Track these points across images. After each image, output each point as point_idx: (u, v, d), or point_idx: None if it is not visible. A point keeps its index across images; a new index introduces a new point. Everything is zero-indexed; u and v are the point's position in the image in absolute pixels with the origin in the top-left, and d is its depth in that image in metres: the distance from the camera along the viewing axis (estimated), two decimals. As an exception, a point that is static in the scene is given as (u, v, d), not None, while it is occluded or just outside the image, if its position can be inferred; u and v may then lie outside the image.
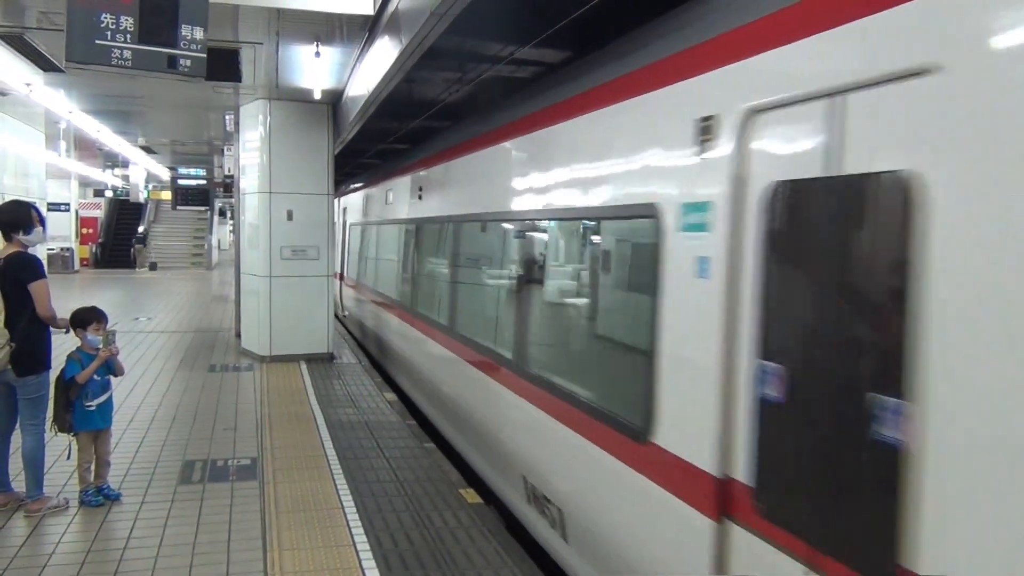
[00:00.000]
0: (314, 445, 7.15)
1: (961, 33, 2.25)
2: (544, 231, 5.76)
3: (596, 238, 5.11)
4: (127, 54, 5.24)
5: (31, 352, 5.28)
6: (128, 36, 5.20)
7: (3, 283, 5.20)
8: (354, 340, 14.74)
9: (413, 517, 5.48)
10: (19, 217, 5.47)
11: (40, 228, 5.56)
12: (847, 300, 2.64)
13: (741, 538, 3.06)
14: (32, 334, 5.27)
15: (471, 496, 5.97)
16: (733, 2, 3.57)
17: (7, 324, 5.16)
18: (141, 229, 32.48)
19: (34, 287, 5.27)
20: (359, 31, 7.37)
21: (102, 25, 5.18)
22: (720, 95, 3.39)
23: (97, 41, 5.18)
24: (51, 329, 5.48)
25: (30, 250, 5.51)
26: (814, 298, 2.80)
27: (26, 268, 5.30)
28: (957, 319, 2.20)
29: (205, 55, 5.41)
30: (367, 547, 4.94)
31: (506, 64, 8.12)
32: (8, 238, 5.41)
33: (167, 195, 29.73)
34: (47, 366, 5.44)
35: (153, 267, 31.24)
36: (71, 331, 5.64)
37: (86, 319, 5.65)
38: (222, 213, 34.70)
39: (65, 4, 5.18)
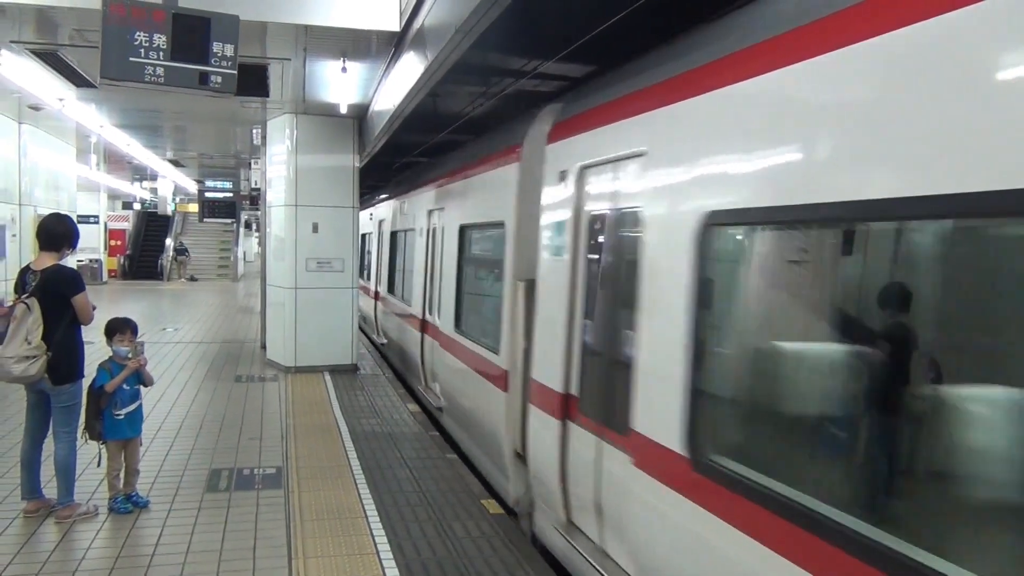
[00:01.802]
0: (338, 455, 7.22)
1: None
2: None
3: None
4: (160, 71, 5.35)
5: (66, 362, 5.39)
6: (161, 53, 5.31)
7: (42, 295, 5.31)
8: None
9: (435, 526, 5.53)
10: (75, 231, 5.70)
11: None
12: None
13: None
14: (67, 344, 5.39)
15: (493, 507, 6.00)
16: None
17: (43, 335, 5.27)
18: (169, 241, 32.79)
19: (77, 300, 5.42)
20: (385, 47, 7.46)
21: (135, 43, 5.29)
22: None
23: (131, 58, 5.29)
24: (84, 339, 5.60)
25: (63, 262, 5.64)
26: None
27: (70, 282, 5.45)
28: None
29: (236, 72, 5.51)
30: (390, 555, 4.99)
31: (530, 78, 8.19)
32: (56, 249, 5.54)
33: (194, 207, 30.14)
34: (81, 375, 5.55)
35: (192, 279, 31.58)
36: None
37: (114, 329, 5.78)
38: (248, 225, 35.07)
39: (100, 22, 5.30)
